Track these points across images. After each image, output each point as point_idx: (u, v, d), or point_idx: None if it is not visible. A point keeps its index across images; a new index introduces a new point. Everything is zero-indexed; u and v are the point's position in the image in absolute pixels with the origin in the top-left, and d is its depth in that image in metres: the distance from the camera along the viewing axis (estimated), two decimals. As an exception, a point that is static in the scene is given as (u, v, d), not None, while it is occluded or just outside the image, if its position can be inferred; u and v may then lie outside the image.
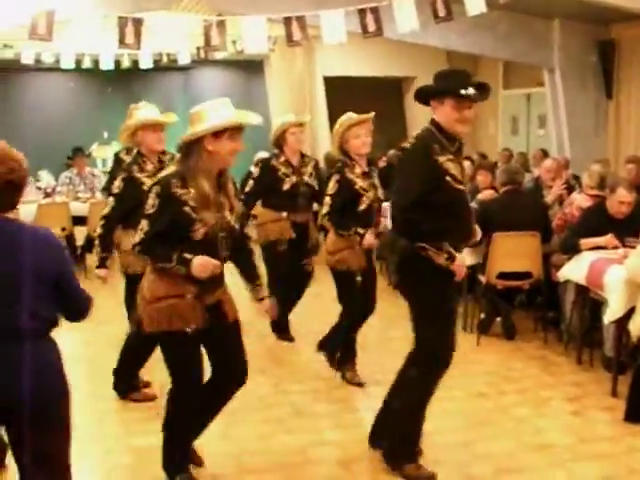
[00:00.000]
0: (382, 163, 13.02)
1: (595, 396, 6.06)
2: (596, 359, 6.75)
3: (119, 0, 10.31)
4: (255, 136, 9.90)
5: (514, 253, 7.27)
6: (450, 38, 11.06)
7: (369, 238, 5.82)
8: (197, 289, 4.06)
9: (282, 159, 7.15)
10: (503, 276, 7.42)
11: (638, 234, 6.51)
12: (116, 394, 6.02)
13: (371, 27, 7.70)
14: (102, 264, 5.55)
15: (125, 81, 15.29)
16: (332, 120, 15.07)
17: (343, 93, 14.95)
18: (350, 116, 5.86)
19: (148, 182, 5.04)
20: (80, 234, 11.06)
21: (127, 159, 6.81)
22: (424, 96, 4.45)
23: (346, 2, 8.36)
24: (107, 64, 13.22)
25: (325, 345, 6.36)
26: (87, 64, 13.88)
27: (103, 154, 14.70)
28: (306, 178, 7.19)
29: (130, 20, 7.13)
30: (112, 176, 7.25)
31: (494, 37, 11.47)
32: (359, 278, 5.98)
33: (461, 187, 4.41)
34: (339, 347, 6.31)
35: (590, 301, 6.70)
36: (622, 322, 5.90)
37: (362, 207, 5.87)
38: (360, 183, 5.85)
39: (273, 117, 14.95)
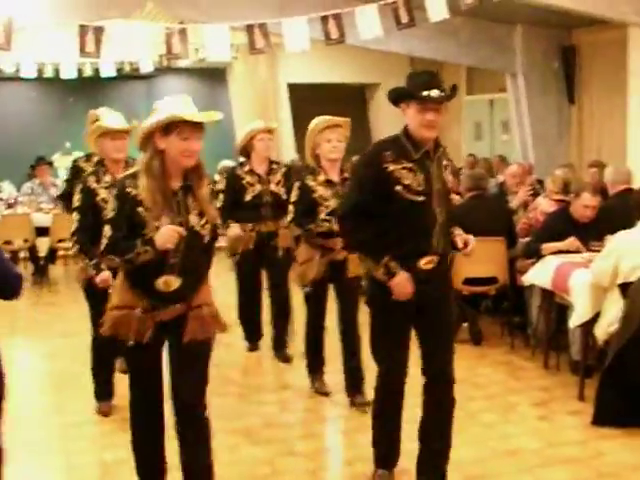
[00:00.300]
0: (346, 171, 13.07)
1: (562, 400, 6.04)
2: (563, 363, 6.73)
3: (79, 8, 10.21)
4: (219, 144, 9.93)
5: (480, 259, 7.18)
6: (413, 44, 11.07)
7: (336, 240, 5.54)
8: (148, 303, 3.84)
9: (247, 168, 6.90)
10: (469, 282, 7.41)
11: (602, 238, 6.52)
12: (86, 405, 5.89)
13: (334, 34, 7.67)
14: (98, 269, 5.19)
15: (87, 90, 15.10)
16: (296, 128, 15.09)
17: (307, 100, 14.92)
18: (323, 119, 5.62)
19: (104, 194, 5.07)
20: (43, 245, 10.92)
21: (86, 167, 6.70)
22: (392, 100, 4.22)
23: (308, 9, 8.34)
24: (69, 73, 13.08)
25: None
26: (48, 73, 13.73)
27: (65, 164, 14.52)
28: (273, 187, 6.88)
29: (91, 28, 7.04)
30: (69, 184, 6.97)
31: (457, 43, 11.49)
32: (307, 289, 5.81)
33: (417, 198, 4.06)
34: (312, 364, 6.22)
35: (556, 305, 6.71)
36: (588, 326, 5.91)
37: (321, 216, 5.65)
38: (321, 192, 5.65)
39: (237, 125, 14.91)
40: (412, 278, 4.07)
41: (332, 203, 5.55)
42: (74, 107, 15.34)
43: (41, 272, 10.86)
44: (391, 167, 4.04)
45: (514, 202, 8.48)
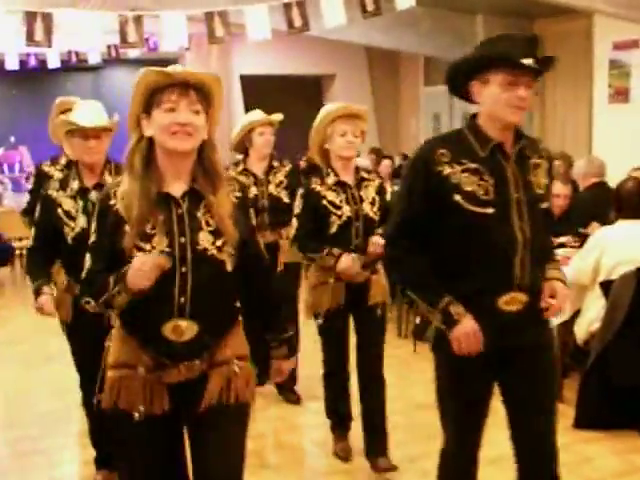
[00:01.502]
0: (303, 164, 12.78)
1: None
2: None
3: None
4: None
5: None
6: (372, 35, 10.84)
7: (346, 261, 4.46)
8: (153, 359, 2.81)
9: (240, 167, 5.88)
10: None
11: (573, 231, 6.39)
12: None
13: (297, 22, 7.35)
14: (38, 293, 4.19)
15: (31, 82, 14.63)
16: (250, 120, 14.81)
17: (261, 92, 14.63)
18: (337, 106, 4.56)
19: (68, 205, 4.15)
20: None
21: (52, 172, 5.67)
22: (465, 71, 3.14)
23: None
24: (12, 64, 12.60)
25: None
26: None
27: (9, 160, 14.07)
28: (272, 188, 5.88)
29: (39, 15, 6.63)
30: (33, 196, 5.64)
31: (417, 33, 11.29)
32: (320, 321, 4.67)
33: (484, 210, 3.03)
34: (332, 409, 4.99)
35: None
36: (567, 325, 5.72)
37: (333, 229, 4.56)
38: (331, 197, 4.55)
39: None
40: (488, 324, 3.03)
41: (346, 210, 4.51)
42: (18, 100, 14.90)
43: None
44: (447, 170, 3.05)
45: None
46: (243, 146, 5.88)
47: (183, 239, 2.73)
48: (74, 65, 13.62)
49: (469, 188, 3.04)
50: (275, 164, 5.96)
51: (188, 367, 2.80)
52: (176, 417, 2.88)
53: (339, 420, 4.92)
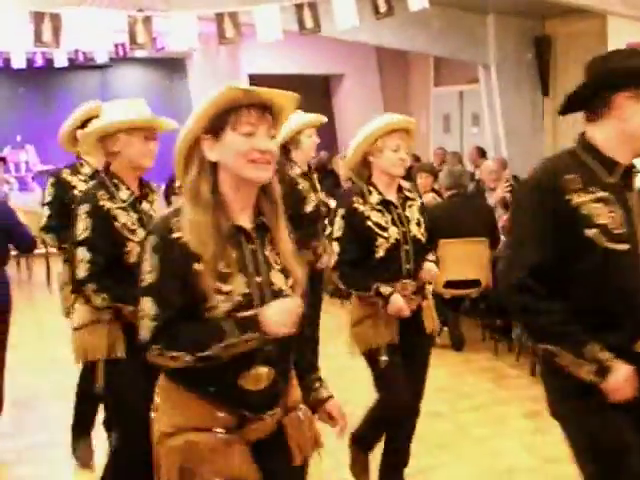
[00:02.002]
0: (313, 167, 12.70)
1: (555, 412, 5.75)
2: (550, 371, 6.47)
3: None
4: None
5: (462, 261, 7.05)
6: (383, 34, 10.71)
7: (396, 301, 3.99)
8: (231, 416, 2.44)
9: (297, 169, 5.44)
10: (450, 284, 7.13)
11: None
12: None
13: (309, 24, 7.25)
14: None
15: (38, 80, 14.55)
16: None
17: (269, 92, 14.55)
18: (392, 118, 4.09)
19: (124, 218, 3.63)
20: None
21: (75, 181, 5.03)
22: (608, 85, 2.72)
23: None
24: (19, 62, 12.49)
25: (357, 439, 4.48)
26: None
27: (16, 159, 13.99)
28: (323, 195, 5.61)
29: (47, 16, 6.52)
30: (52, 207, 5.04)
31: (428, 33, 11.16)
32: (384, 358, 4.07)
33: (619, 246, 2.65)
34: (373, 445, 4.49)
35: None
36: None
37: (380, 253, 4.06)
38: (375, 218, 4.06)
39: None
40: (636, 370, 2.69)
41: (394, 233, 4.03)
42: (25, 98, 14.82)
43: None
44: (576, 199, 2.65)
45: (492, 199, 8.24)
46: (285, 148, 5.46)
47: (259, 279, 2.42)
48: (81, 63, 13.56)
49: (603, 220, 2.65)
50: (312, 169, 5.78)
51: (272, 416, 2.49)
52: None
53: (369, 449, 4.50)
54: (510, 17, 11.69)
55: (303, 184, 5.46)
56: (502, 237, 7.31)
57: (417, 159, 11.62)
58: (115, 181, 3.69)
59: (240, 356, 2.35)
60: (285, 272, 2.48)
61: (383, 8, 7.29)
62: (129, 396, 3.55)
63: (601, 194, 2.66)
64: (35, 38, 6.71)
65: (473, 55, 11.89)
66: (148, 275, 2.36)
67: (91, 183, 3.93)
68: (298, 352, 2.66)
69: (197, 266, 2.32)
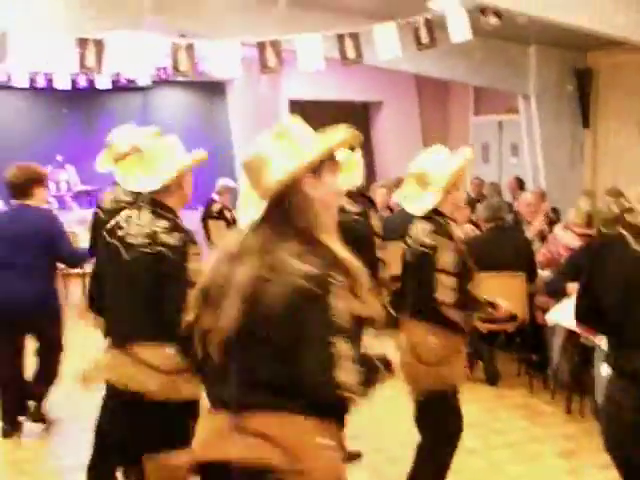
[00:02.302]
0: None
1: (590, 451, 5.63)
2: (586, 408, 6.39)
3: (77, 19, 9.82)
4: (217, 162, 9.53)
5: (499, 295, 6.88)
6: (423, 63, 10.69)
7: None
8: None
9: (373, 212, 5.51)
10: (486, 318, 7.03)
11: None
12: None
13: (350, 53, 7.25)
14: None
15: (81, 101, 14.68)
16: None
17: (309, 117, 14.52)
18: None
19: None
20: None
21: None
22: None
23: (317, 24, 7.95)
24: (63, 84, 12.65)
25: None
26: (41, 83, 13.29)
27: (56, 178, 14.11)
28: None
29: (91, 42, 6.60)
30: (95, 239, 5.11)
31: (469, 63, 11.12)
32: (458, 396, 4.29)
33: None
34: None
35: (580, 346, 6.32)
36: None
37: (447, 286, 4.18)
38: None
39: (235, 141, 14.53)
40: None
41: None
42: (67, 118, 14.95)
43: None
44: None
45: (530, 232, 8.15)
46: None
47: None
48: (123, 85, 13.71)
49: None
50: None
51: None
52: None
53: None
54: (552, 48, 11.64)
55: (375, 222, 5.45)
56: (539, 271, 7.24)
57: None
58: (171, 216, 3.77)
59: None
60: None
61: (425, 39, 7.28)
62: None
63: None
64: (79, 63, 6.81)
65: (513, 85, 11.84)
66: None
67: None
68: None
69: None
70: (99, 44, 6.73)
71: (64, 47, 8.03)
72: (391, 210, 9.40)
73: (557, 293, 6.46)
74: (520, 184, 11.57)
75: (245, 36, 7.83)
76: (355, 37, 7.25)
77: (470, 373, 7.25)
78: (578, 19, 8.14)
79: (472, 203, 8.66)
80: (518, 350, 7.52)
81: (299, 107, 14.62)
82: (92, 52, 6.68)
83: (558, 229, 7.55)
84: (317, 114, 14.92)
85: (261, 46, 7.31)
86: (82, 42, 6.73)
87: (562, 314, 6.35)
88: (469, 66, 11.25)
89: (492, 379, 7.30)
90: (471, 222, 8.41)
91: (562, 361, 6.69)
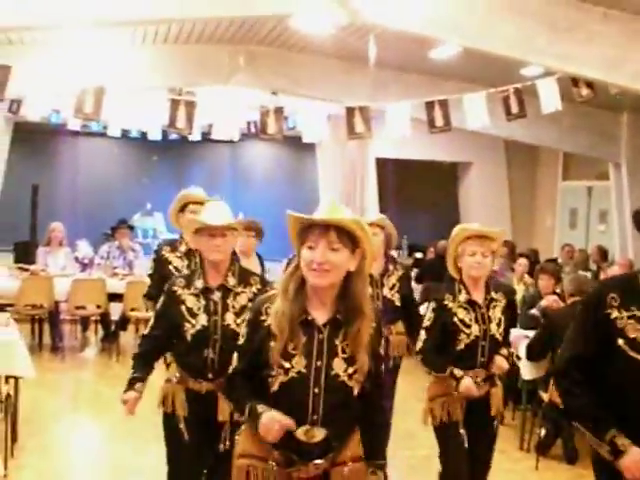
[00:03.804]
0: (430, 254, 12.56)
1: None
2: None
3: (171, 75, 10.08)
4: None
5: None
6: (513, 128, 10.58)
7: (466, 383, 4.56)
8: (283, 455, 3.03)
9: None
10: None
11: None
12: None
13: (439, 122, 7.24)
14: (129, 387, 4.23)
15: (172, 151, 14.99)
16: (382, 202, 14.74)
17: (396, 176, 14.56)
18: (466, 228, 4.70)
19: (191, 302, 4.18)
20: (114, 311, 10.64)
21: (171, 258, 5.66)
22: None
23: (406, 88, 7.99)
24: (155, 134, 12.96)
25: None
26: (134, 133, 13.65)
27: (144, 225, 14.40)
28: (386, 291, 5.90)
29: (182, 103, 6.73)
30: (153, 281, 5.66)
31: (558, 129, 11.01)
32: (462, 431, 4.62)
33: None
34: None
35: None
36: None
37: (460, 346, 4.62)
38: (461, 315, 4.62)
39: (322, 197, 14.59)
40: None
41: (474, 330, 4.60)
42: (158, 167, 15.28)
43: (111, 339, 10.57)
44: (615, 314, 3.17)
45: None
46: None
47: (319, 363, 2.96)
48: (213, 138, 13.94)
49: (633, 335, 3.13)
50: (390, 267, 6.00)
51: (316, 465, 3.02)
52: None
53: None
54: (645, 117, 11.46)
55: None
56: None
57: (535, 253, 11.34)
58: (200, 270, 4.28)
59: (294, 417, 2.94)
60: (350, 361, 2.99)
61: (515, 109, 7.23)
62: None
63: (638, 313, 3.12)
64: (169, 123, 6.94)
65: (604, 153, 11.68)
66: (242, 338, 3.12)
67: (183, 272, 5.06)
68: (367, 435, 3.16)
69: (273, 344, 2.95)
70: (190, 105, 6.85)
71: (157, 102, 8.23)
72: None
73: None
74: (604, 254, 11.31)
75: (335, 97, 7.90)
76: (444, 104, 7.24)
77: (548, 450, 7.06)
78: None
79: (556, 275, 8.43)
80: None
81: (386, 165, 14.67)
82: (183, 113, 6.80)
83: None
84: (404, 173, 15.00)
85: (350, 111, 7.34)
86: (174, 103, 6.86)
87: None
88: (559, 132, 11.15)
89: (570, 457, 7.05)
90: (555, 293, 8.21)
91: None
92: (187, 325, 4.10)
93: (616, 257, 11.42)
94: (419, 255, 13.62)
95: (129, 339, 11.21)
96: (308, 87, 9.05)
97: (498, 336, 4.64)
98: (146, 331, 4.37)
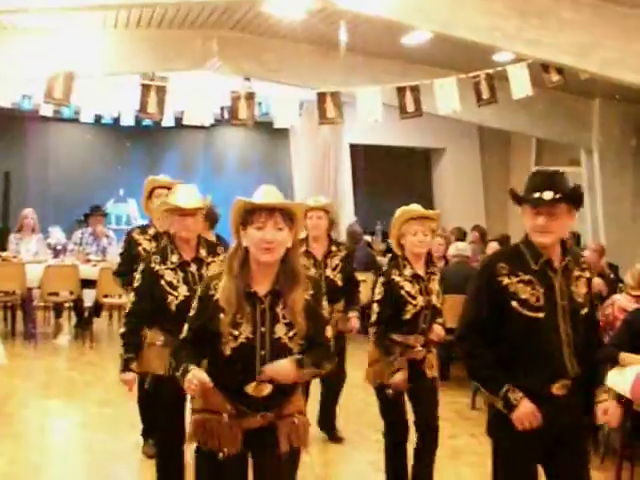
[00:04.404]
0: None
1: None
2: (637, 476, 6.21)
3: (143, 60, 10.03)
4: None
5: None
6: (485, 114, 10.65)
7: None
8: (235, 409, 3.46)
9: (303, 248, 6.30)
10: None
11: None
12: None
13: (410, 107, 7.27)
14: (126, 367, 4.75)
15: (145, 137, 14.92)
16: (356, 188, 14.79)
17: (370, 161, 14.60)
18: (410, 209, 5.12)
19: (170, 276, 4.70)
20: (88, 297, 10.61)
21: (140, 240, 6.17)
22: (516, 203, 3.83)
23: (377, 73, 7.99)
24: (127, 120, 12.90)
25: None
26: (107, 120, 13.58)
27: (117, 212, 14.34)
28: (329, 272, 6.36)
29: (153, 88, 6.71)
30: (123, 258, 6.26)
31: (531, 115, 11.09)
32: (391, 391, 5.11)
33: (535, 314, 3.59)
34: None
35: (632, 413, 6.17)
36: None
37: (407, 316, 5.11)
38: (407, 288, 5.09)
39: (296, 184, 14.60)
40: (541, 407, 3.55)
41: (420, 301, 5.08)
42: (131, 153, 15.21)
43: (84, 325, 10.55)
44: (506, 280, 3.62)
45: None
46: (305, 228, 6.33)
47: (263, 329, 3.40)
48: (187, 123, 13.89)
49: (524, 296, 3.60)
50: (333, 248, 6.44)
51: (264, 417, 3.47)
52: (243, 458, 3.53)
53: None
54: (616, 102, 11.55)
55: (304, 262, 6.19)
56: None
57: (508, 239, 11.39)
58: (171, 246, 4.81)
59: (245, 374, 3.39)
60: (289, 325, 3.42)
61: (486, 95, 7.27)
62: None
63: (524, 277, 3.61)
64: (141, 108, 6.93)
65: (576, 139, 11.77)
66: (192, 310, 3.51)
67: (154, 246, 5.70)
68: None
69: (221, 315, 3.36)
70: (161, 90, 6.84)
71: (129, 88, 8.19)
72: (446, 262, 9.31)
73: (608, 361, 6.30)
74: (576, 239, 11.39)
75: (307, 83, 7.90)
76: (415, 90, 7.28)
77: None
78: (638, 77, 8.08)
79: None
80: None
81: (360, 151, 14.70)
82: (154, 99, 6.79)
83: (617, 295, 7.39)
84: (378, 159, 15.04)
85: (321, 97, 7.36)
86: (145, 88, 6.85)
87: (615, 380, 6.22)
88: (531, 118, 11.23)
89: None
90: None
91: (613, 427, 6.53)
92: (170, 297, 4.65)
93: (588, 242, 11.51)
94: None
95: (103, 326, 11.21)
96: (280, 73, 9.05)
97: (439, 305, 5.20)
98: (129, 309, 4.85)
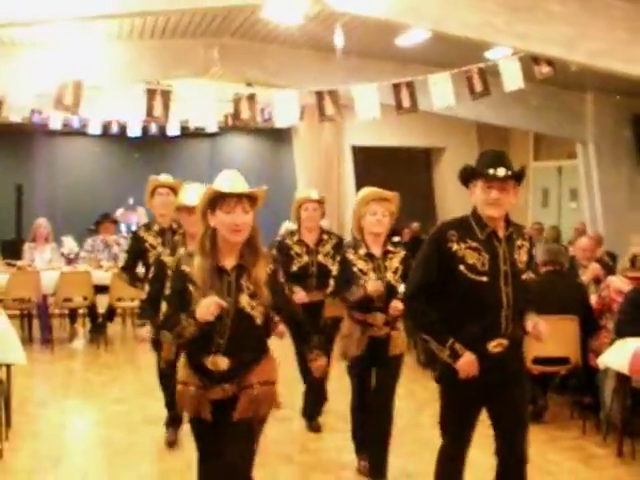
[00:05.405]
0: (406, 236, 12.83)
1: (640, 494, 5.69)
2: (638, 451, 6.36)
3: (147, 69, 10.28)
4: (282, 206, 9.84)
5: (551, 338, 6.89)
6: (481, 110, 10.90)
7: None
8: (200, 380, 3.88)
9: (296, 237, 6.88)
10: (539, 361, 7.07)
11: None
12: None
13: (406, 103, 7.51)
14: (142, 325, 5.61)
15: (152, 147, 15.20)
16: (359, 189, 14.91)
17: (371, 163, 14.81)
18: (370, 191, 5.45)
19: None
20: (101, 303, 10.84)
21: (146, 237, 6.61)
22: (462, 179, 4.24)
23: (377, 74, 8.21)
24: (134, 131, 13.15)
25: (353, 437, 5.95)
26: (114, 130, 13.83)
27: (127, 220, 14.56)
28: (321, 257, 6.81)
29: (158, 92, 6.97)
30: (129, 256, 6.80)
31: (526, 110, 11.30)
32: (348, 363, 5.63)
33: (480, 278, 4.04)
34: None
35: (631, 390, 6.36)
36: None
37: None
38: (360, 265, 5.42)
39: (300, 186, 14.84)
40: (480, 361, 4.04)
41: (371, 277, 5.37)
42: (138, 163, 15.43)
43: (99, 330, 10.77)
44: (455, 247, 4.07)
45: (584, 277, 8.16)
46: (295, 218, 6.90)
47: (229, 299, 3.75)
48: (192, 132, 14.14)
49: (471, 261, 4.04)
50: (324, 237, 6.90)
51: (224, 388, 3.83)
52: (218, 423, 3.87)
53: (360, 443, 5.79)
54: (609, 95, 11.74)
55: (297, 249, 6.82)
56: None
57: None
58: (184, 240, 5.54)
59: (204, 346, 3.77)
60: (253, 296, 3.81)
61: (479, 88, 7.49)
62: None
63: (472, 244, 4.05)
64: (147, 112, 7.18)
65: (571, 132, 11.95)
66: (167, 289, 3.88)
67: (158, 247, 6.30)
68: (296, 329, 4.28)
69: (191, 287, 3.76)
70: (166, 94, 7.09)
71: (135, 96, 8.42)
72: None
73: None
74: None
75: (306, 86, 8.13)
76: (410, 86, 7.51)
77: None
78: (630, 67, 8.26)
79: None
80: (571, 393, 7.56)
81: (361, 153, 14.91)
82: (159, 102, 7.04)
83: (611, 277, 7.58)
84: (379, 159, 15.24)
85: (319, 96, 7.60)
86: (150, 93, 7.11)
87: (613, 358, 6.42)
88: (526, 113, 11.43)
89: (537, 415, 7.28)
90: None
91: (614, 404, 6.71)
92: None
93: (588, 232, 11.69)
94: (396, 239, 13.86)
95: (116, 329, 11.43)
96: (280, 77, 9.28)
97: (394, 282, 5.38)
98: (145, 296, 5.62)
